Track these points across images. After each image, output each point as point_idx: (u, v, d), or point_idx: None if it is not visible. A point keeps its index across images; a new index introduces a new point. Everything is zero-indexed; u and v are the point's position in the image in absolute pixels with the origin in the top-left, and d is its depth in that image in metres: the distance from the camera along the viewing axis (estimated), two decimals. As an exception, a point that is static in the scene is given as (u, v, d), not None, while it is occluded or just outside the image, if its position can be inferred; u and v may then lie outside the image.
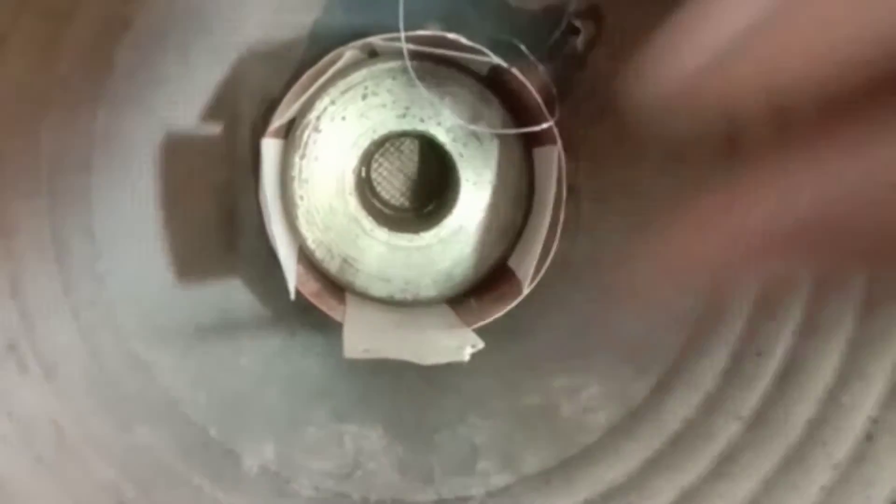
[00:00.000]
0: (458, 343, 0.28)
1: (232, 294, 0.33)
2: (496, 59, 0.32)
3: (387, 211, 0.40)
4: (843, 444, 0.30)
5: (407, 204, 0.40)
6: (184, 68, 0.31)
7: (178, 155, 0.32)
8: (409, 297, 0.36)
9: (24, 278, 0.29)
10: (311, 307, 0.34)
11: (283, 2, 0.32)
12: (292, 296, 0.31)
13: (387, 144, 0.38)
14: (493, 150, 0.35)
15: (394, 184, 0.40)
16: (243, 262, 0.34)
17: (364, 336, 0.30)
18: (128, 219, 0.31)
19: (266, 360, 0.33)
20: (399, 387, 0.33)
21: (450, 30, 0.32)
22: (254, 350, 0.33)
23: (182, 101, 0.32)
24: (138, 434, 0.30)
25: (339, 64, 0.32)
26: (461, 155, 0.35)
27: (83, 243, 0.30)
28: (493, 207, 0.36)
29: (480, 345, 0.28)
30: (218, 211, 0.33)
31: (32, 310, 0.29)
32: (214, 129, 0.33)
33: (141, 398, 0.31)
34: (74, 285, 0.30)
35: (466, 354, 0.28)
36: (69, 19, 0.28)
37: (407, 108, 0.35)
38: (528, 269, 0.33)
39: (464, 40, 0.32)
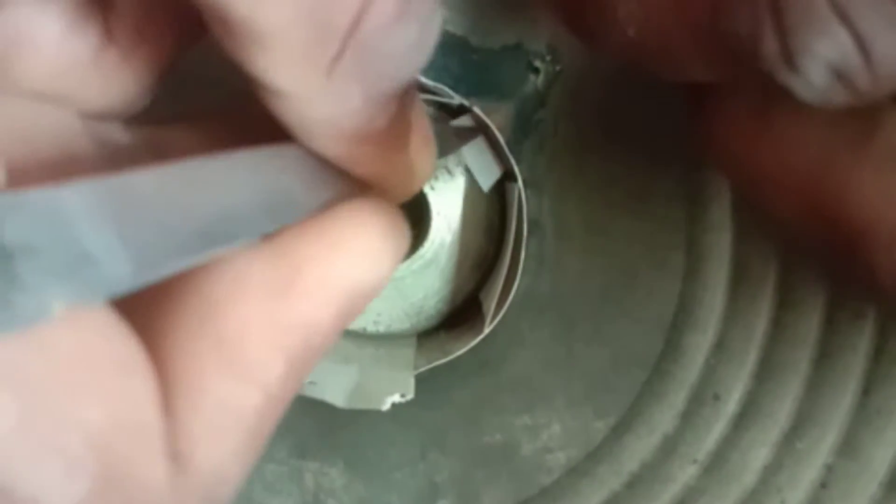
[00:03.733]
0: (387, 390, 0.29)
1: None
2: (458, 98, 0.32)
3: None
4: (797, 490, 0.29)
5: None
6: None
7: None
8: (381, 329, 0.37)
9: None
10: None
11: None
12: None
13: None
14: (464, 183, 0.35)
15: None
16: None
17: None
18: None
19: (229, 397, 0.33)
20: (360, 422, 0.33)
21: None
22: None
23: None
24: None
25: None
26: (432, 188, 0.35)
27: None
28: (465, 240, 0.36)
29: (409, 395, 0.29)
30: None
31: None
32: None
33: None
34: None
35: (386, 405, 0.28)
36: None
37: (378, 142, 0.35)
38: (490, 306, 0.33)
39: (424, 80, 0.32)
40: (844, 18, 0.16)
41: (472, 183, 0.35)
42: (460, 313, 0.37)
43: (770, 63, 0.17)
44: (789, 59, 0.17)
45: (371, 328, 0.37)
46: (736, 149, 0.21)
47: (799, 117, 0.20)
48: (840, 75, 0.17)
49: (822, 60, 0.16)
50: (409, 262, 0.36)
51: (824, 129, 0.20)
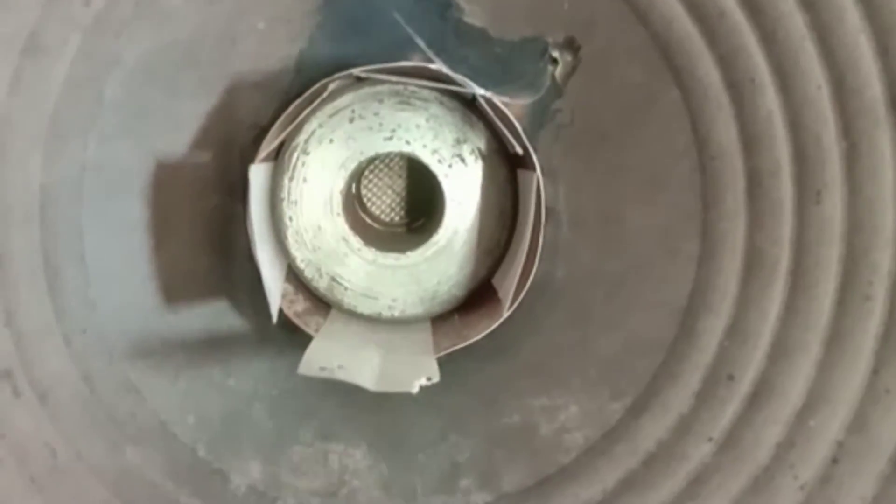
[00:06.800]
0: (413, 373, 0.29)
1: (221, 316, 0.34)
2: (478, 90, 0.33)
3: (377, 227, 0.41)
4: (809, 466, 0.31)
5: (397, 219, 0.41)
6: (173, 100, 0.32)
7: (168, 182, 0.33)
8: (396, 314, 0.37)
9: (17, 306, 0.30)
10: (298, 327, 0.35)
11: (268, 34, 0.32)
12: (274, 319, 0.32)
13: (376, 161, 0.39)
14: (477, 170, 0.36)
15: (384, 199, 0.41)
16: (232, 284, 0.35)
17: (327, 353, 0.31)
18: (119, 246, 0.32)
19: (254, 380, 0.34)
20: (383, 405, 0.34)
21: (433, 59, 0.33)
22: (242, 370, 0.34)
23: (171, 130, 0.32)
24: (129, 455, 0.31)
25: (325, 95, 0.33)
26: (446, 175, 0.36)
27: (75, 271, 0.31)
28: (478, 226, 0.37)
29: (435, 378, 0.29)
30: (208, 235, 0.34)
31: (26, 337, 0.30)
32: (204, 156, 0.33)
33: (131, 420, 0.32)
34: (67, 312, 0.31)
35: (415, 387, 0.29)
36: (58, 57, 0.29)
37: (393, 131, 0.36)
38: (507, 292, 0.34)
39: (446, 70, 0.32)
40: None
41: (485, 171, 0.36)
42: (473, 298, 0.37)
43: None
44: None
45: (386, 313, 0.37)
46: None
47: None
48: None
49: None
50: (423, 248, 0.37)
51: None
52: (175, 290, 0.33)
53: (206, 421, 0.33)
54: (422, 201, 0.40)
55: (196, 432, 0.33)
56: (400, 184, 0.41)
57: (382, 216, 0.41)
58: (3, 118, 0.29)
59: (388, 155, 0.37)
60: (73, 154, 0.30)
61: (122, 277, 0.32)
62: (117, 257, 0.32)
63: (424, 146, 0.36)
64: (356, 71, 0.33)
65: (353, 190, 0.39)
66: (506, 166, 0.36)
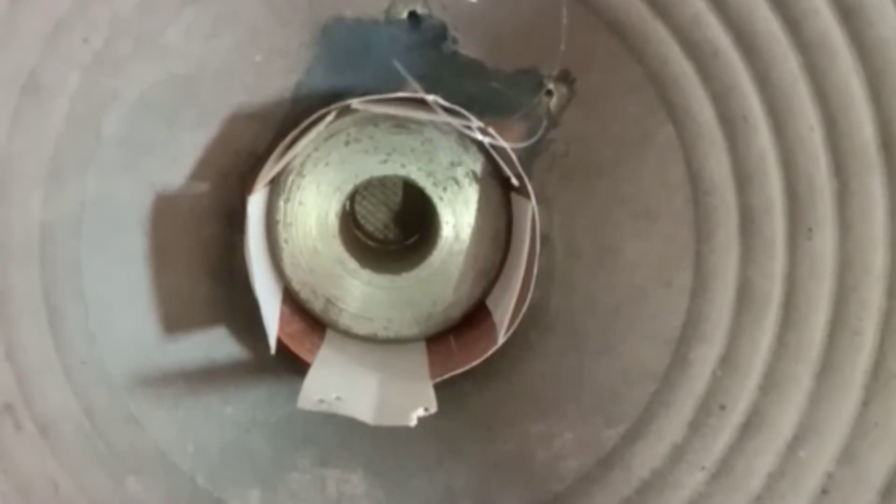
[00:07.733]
0: (411, 404, 0.30)
1: (219, 344, 0.35)
2: (474, 121, 0.33)
3: (371, 243, 0.41)
4: (800, 497, 0.31)
5: (391, 236, 0.41)
6: (172, 133, 0.32)
7: (166, 214, 0.33)
8: (391, 335, 0.38)
9: (18, 341, 0.31)
10: (296, 354, 0.35)
11: (266, 67, 0.33)
12: (272, 350, 0.32)
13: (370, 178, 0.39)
14: (472, 193, 0.36)
15: (378, 216, 0.41)
16: (231, 310, 0.35)
17: (324, 383, 0.31)
18: (118, 279, 0.32)
19: (252, 408, 0.34)
20: (379, 431, 0.34)
21: (429, 89, 0.33)
22: (240, 398, 0.34)
23: (170, 163, 0.33)
24: (129, 486, 0.32)
25: (321, 127, 0.33)
26: (441, 198, 0.36)
27: (74, 305, 0.31)
28: (473, 248, 0.37)
29: (433, 409, 0.30)
30: (206, 264, 0.34)
31: (27, 371, 0.31)
32: (202, 186, 0.34)
33: (132, 451, 0.32)
34: (67, 346, 0.31)
35: (413, 420, 0.29)
36: (57, 94, 0.29)
37: (388, 154, 0.36)
38: (503, 319, 0.34)
39: (442, 101, 0.33)
40: None
41: (480, 194, 0.36)
42: (467, 319, 0.38)
43: None
44: None
45: (381, 334, 0.38)
46: None
47: None
48: None
49: None
50: (418, 269, 0.37)
51: None
52: (174, 319, 0.33)
53: (206, 450, 0.33)
54: (416, 216, 0.40)
55: (195, 461, 0.33)
56: (394, 200, 0.41)
57: (377, 233, 0.41)
58: (3, 157, 0.29)
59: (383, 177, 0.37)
60: (73, 190, 0.31)
61: (121, 309, 0.32)
62: (116, 289, 0.32)
63: (419, 169, 0.36)
64: (354, 103, 0.33)
65: (347, 207, 0.40)
66: (500, 189, 0.37)
